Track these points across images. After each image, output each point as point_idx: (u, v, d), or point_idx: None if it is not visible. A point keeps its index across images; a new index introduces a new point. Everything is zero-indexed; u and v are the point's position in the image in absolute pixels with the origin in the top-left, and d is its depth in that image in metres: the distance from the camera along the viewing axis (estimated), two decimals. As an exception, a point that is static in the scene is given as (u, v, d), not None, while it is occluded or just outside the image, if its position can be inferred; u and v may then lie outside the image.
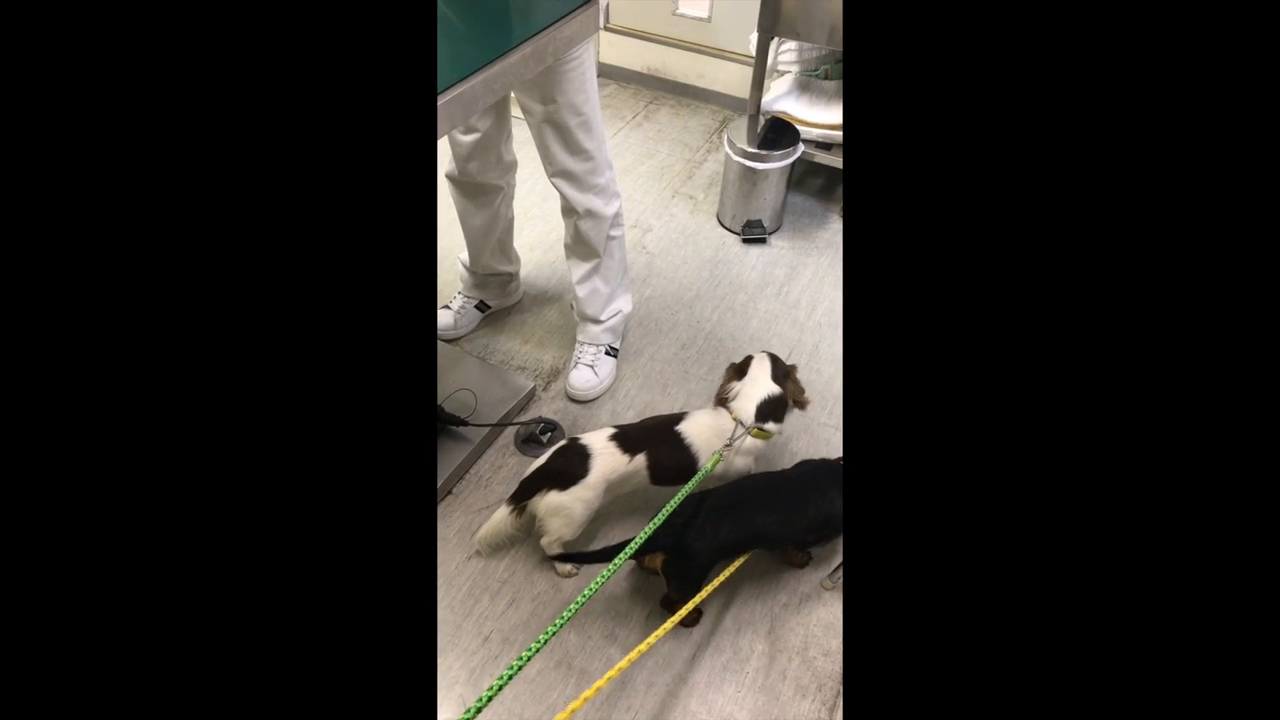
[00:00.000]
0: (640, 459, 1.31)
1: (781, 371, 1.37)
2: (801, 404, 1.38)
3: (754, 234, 2.14)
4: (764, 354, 1.39)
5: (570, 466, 1.30)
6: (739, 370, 1.39)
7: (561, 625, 1.00)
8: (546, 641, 0.99)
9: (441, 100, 0.78)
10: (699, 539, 1.19)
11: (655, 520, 1.14)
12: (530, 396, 1.68)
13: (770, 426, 1.34)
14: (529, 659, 0.96)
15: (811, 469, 1.36)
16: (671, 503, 1.16)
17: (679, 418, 1.37)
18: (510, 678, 0.95)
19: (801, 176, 2.39)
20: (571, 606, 1.02)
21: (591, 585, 1.05)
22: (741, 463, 1.36)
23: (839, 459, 1.40)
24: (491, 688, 0.93)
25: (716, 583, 1.21)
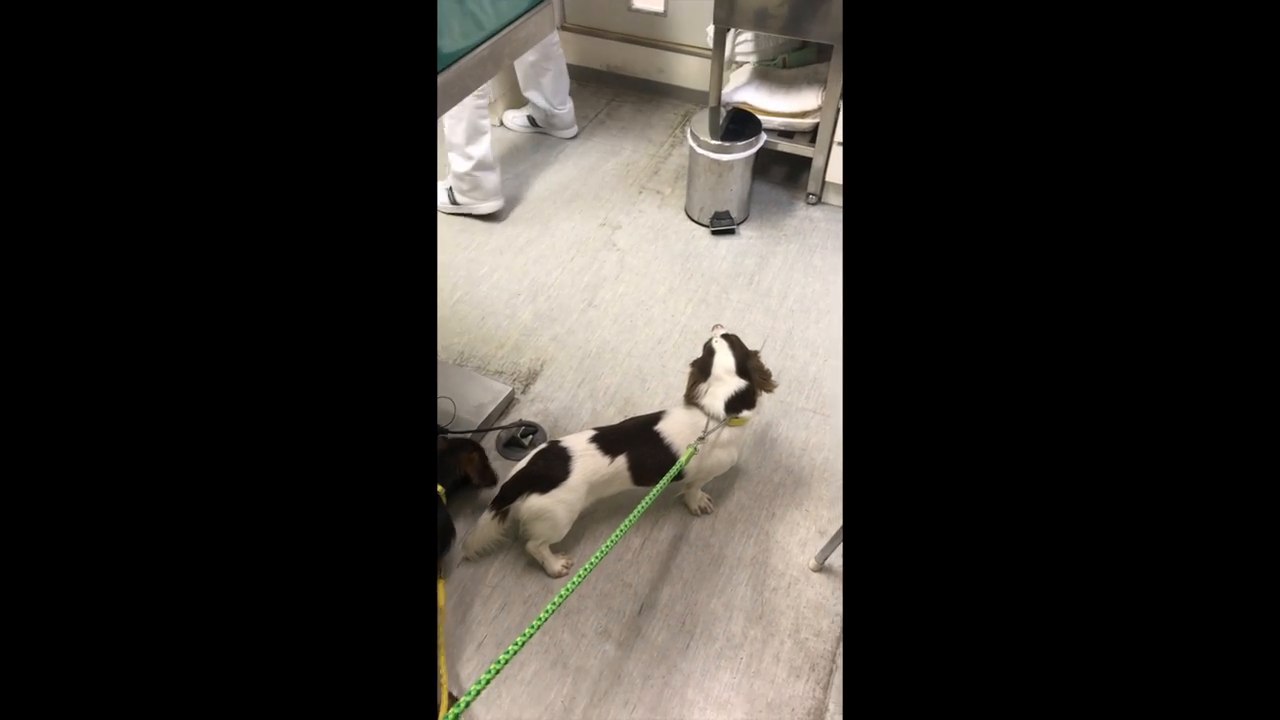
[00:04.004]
0: (621, 460, 1.32)
1: (744, 361, 1.36)
2: (768, 388, 1.38)
3: (723, 225, 2.15)
4: (723, 342, 1.38)
5: (551, 469, 1.30)
6: (703, 369, 1.38)
7: (544, 620, 1.00)
8: (530, 636, 0.98)
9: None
10: None
11: (625, 524, 1.13)
12: (509, 400, 1.68)
13: (745, 414, 1.35)
14: (513, 653, 0.95)
15: None
16: (643, 503, 1.16)
17: (657, 417, 1.37)
18: (496, 672, 0.94)
19: (765, 165, 2.41)
20: (551, 603, 1.01)
21: (574, 579, 1.05)
22: (725, 455, 1.37)
23: None
24: (480, 681, 0.92)
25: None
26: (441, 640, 1.25)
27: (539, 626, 1.00)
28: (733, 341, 1.38)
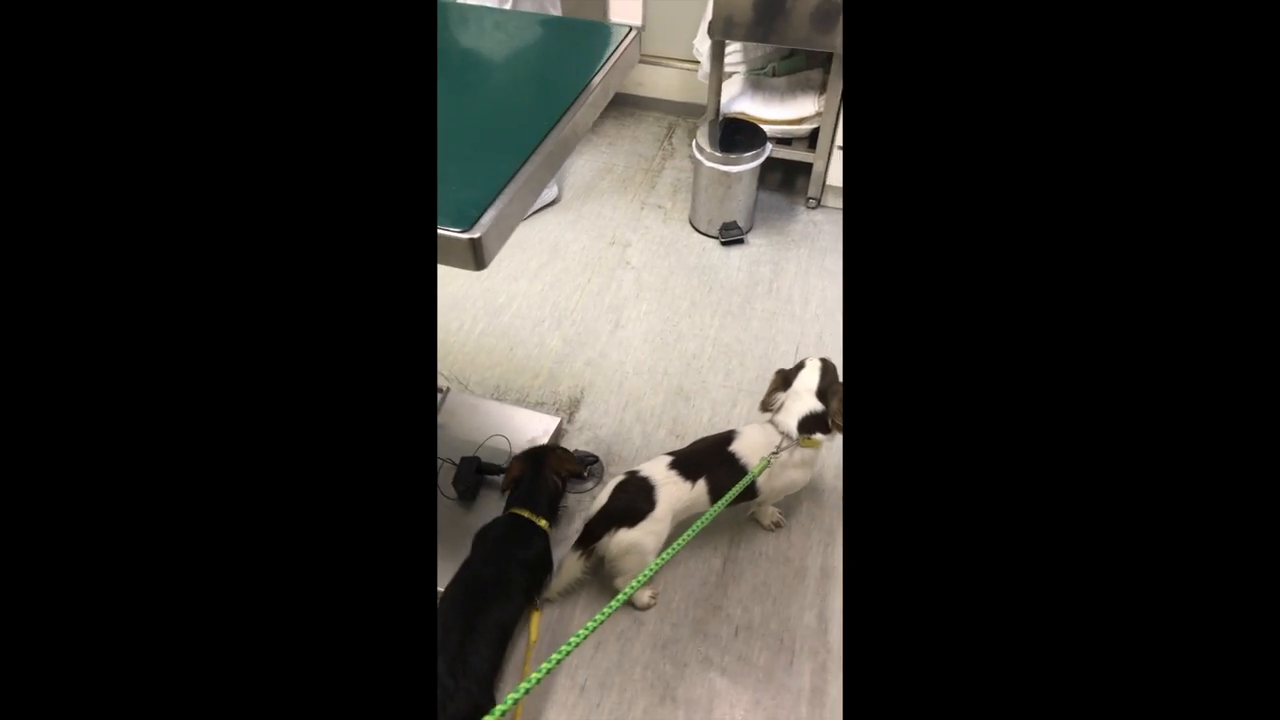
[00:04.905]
0: (701, 484, 1.30)
1: (827, 387, 1.36)
2: (838, 426, 1.35)
3: (732, 236, 2.17)
4: (816, 363, 1.38)
5: (635, 502, 1.27)
6: (786, 380, 1.38)
7: (593, 629, 0.93)
8: (579, 644, 0.91)
9: (547, 145, 0.76)
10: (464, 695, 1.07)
11: (693, 529, 1.11)
12: (559, 431, 1.64)
13: (818, 436, 1.35)
14: (559, 661, 0.89)
15: (491, 541, 1.30)
16: (711, 512, 1.15)
17: (730, 437, 1.36)
18: (529, 689, 0.86)
19: (760, 172, 2.43)
20: (602, 613, 0.94)
21: (630, 588, 0.97)
22: (798, 474, 1.36)
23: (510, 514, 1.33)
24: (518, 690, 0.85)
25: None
26: (527, 670, 1.23)
27: (585, 637, 0.93)
28: (825, 366, 1.38)
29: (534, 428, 1.61)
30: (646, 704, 1.24)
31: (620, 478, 1.32)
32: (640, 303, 2.00)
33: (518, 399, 1.73)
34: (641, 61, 2.68)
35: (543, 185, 0.76)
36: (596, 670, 1.28)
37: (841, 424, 1.36)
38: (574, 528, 1.41)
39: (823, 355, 1.41)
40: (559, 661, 0.90)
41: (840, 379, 1.40)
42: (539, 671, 0.88)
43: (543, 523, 1.32)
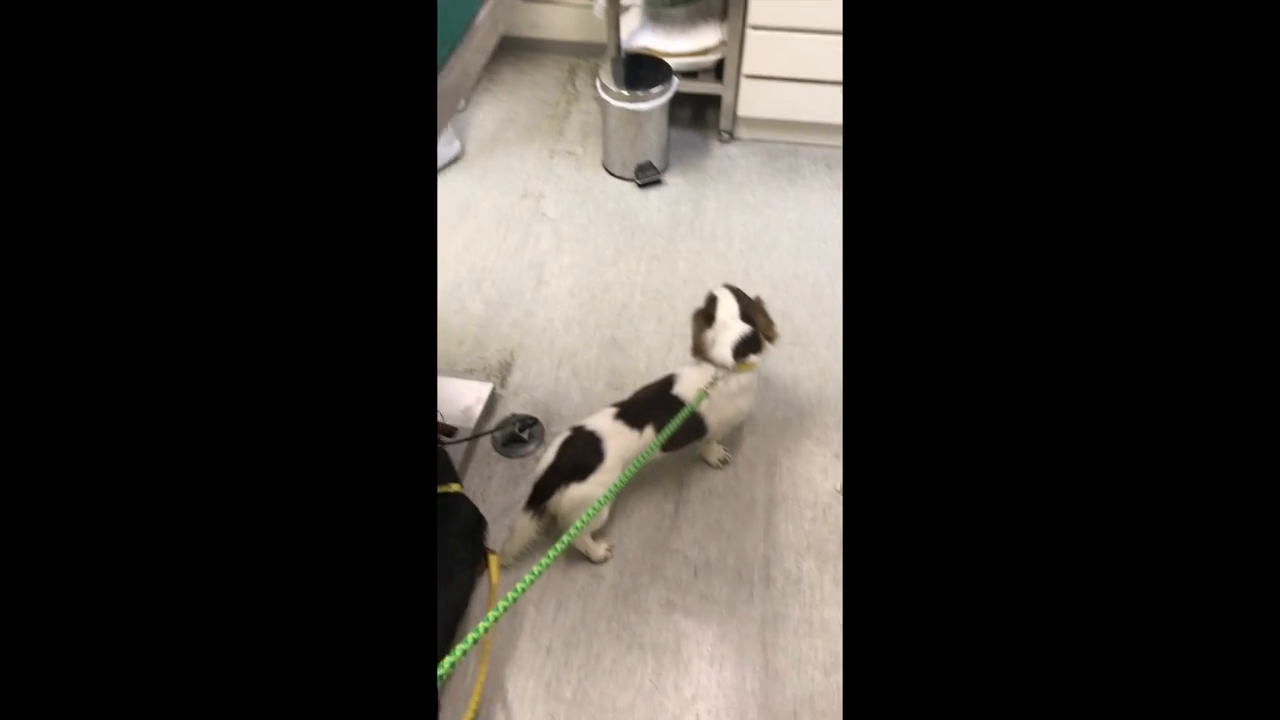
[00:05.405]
0: (649, 431, 1.29)
1: (748, 307, 1.38)
2: (771, 338, 1.39)
3: (649, 177, 2.11)
4: (726, 290, 1.39)
5: (583, 456, 1.25)
6: (707, 317, 1.38)
7: (549, 563, 0.90)
8: (528, 586, 0.87)
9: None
10: None
11: (635, 464, 1.12)
12: (493, 397, 1.59)
13: (752, 359, 1.36)
14: (505, 608, 0.85)
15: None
16: (660, 437, 1.14)
17: (671, 381, 1.35)
18: (483, 632, 0.83)
19: (670, 109, 2.37)
20: (552, 550, 0.92)
21: (575, 528, 0.93)
22: (743, 402, 1.37)
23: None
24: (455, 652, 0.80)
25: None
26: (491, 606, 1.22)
27: (524, 589, 0.88)
28: (736, 291, 1.38)
29: (466, 396, 1.55)
30: (615, 654, 1.24)
31: (565, 434, 1.29)
32: (561, 256, 1.93)
33: (445, 368, 1.66)
34: (535, 1, 2.54)
35: (438, 134, 0.70)
36: (561, 629, 1.27)
37: (774, 334, 1.39)
38: (520, 491, 1.38)
39: (737, 287, 1.41)
40: (506, 608, 0.82)
41: (750, 296, 1.41)
42: (475, 632, 0.81)
43: (454, 487, 1.30)
